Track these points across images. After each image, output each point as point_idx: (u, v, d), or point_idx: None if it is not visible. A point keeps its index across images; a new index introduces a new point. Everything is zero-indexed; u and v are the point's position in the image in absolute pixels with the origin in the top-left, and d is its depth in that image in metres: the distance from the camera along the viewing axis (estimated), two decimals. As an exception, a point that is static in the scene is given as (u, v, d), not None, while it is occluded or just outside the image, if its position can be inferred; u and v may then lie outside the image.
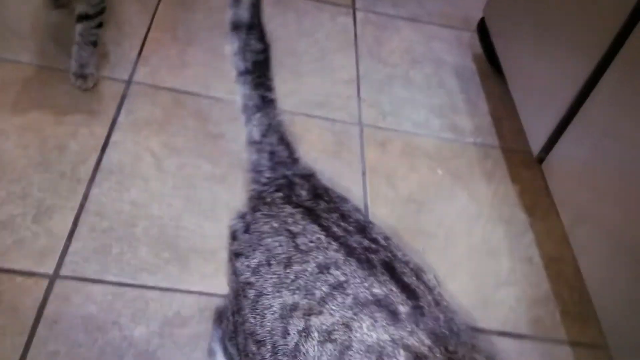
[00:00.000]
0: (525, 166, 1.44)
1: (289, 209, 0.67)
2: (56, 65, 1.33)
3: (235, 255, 0.68)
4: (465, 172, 1.40)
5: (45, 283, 0.98)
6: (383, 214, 1.25)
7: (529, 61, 1.38)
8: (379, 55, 1.66)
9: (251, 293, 0.63)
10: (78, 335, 0.94)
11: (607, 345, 1.03)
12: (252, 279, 0.64)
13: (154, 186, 1.18)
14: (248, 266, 0.65)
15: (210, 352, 0.86)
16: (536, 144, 1.29)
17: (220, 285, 1.05)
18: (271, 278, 0.62)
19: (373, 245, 0.63)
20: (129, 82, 1.36)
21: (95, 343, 0.93)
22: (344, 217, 0.66)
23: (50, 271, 1.00)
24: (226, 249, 0.72)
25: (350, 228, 0.64)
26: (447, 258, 1.21)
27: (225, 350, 0.77)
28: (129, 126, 1.27)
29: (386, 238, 0.65)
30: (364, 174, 1.33)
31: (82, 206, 1.10)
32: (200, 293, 1.04)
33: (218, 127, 1.33)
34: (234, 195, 1.20)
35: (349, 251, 0.61)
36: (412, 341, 0.54)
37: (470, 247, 1.25)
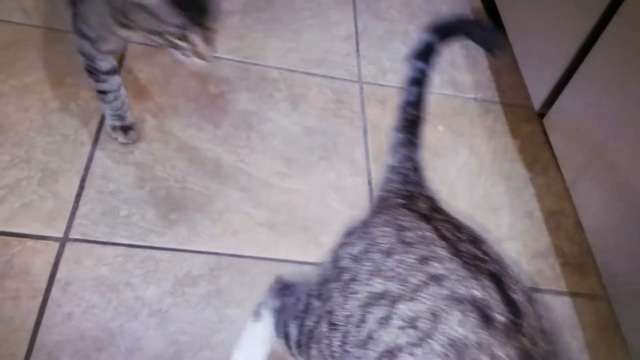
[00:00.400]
0: (526, 121, 1.45)
1: (404, 211, 0.68)
2: (51, 25, 1.31)
3: (341, 245, 0.69)
4: (466, 128, 1.40)
5: (56, 246, 0.99)
6: (386, 171, 1.26)
7: (530, 14, 1.36)
8: (377, 10, 1.63)
9: (345, 277, 0.63)
10: (92, 297, 0.95)
11: (607, 296, 1.06)
12: (350, 265, 0.64)
13: (157, 148, 1.17)
14: (350, 253, 0.65)
15: (256, 315, 0.87)
16: (537, 98, 1.29)
17: (228, 245, 1.07)
18: (368, 265, 0.62)
19: (483, 256, 0.60)
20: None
21: (110, 304, 0.95)
22: (457, 228, 0.65)
23: (60, 234, 1.01)
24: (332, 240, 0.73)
25: (463, 237, 0.63)
26: (450, 214, 1.23)
27: (278, 324, 0.78)
28: (130, 87, 1.25)
29: (499, 256, 0.63)
30: (365, 132, 1.33)
31: (87, 169, 1.10)
32: (209, 253, 1.05)
33: (218, 87, 1.32)
34: (237, 157, 1.20)
35: (456, 252, 0.59)
36: (500, 353, 0.52)
37: (472, 202, 1.26)
